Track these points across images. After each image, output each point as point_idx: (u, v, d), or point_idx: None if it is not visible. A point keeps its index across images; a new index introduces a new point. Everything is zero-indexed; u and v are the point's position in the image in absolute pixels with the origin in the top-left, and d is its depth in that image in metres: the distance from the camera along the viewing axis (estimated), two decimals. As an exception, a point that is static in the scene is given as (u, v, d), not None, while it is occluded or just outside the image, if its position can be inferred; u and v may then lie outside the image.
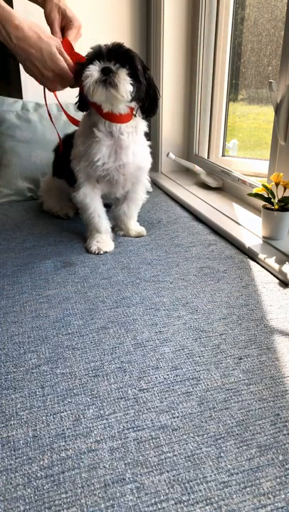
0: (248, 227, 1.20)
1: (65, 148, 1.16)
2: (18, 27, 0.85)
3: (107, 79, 0.91)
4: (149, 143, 1.12)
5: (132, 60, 0.93)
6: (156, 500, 0.48)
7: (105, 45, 0.93)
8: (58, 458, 0.54)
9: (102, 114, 1.00)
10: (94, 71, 0.91)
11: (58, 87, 0.97)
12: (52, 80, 0.93)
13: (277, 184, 1.09)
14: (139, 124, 1.06)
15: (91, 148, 1.03)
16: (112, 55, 0.92)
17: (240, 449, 0.55)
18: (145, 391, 0.64)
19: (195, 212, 1.35)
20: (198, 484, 0.50)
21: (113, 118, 1.00)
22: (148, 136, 1.12)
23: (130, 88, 0.92)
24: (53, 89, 0.98)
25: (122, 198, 1.17)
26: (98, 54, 0.92)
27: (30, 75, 0.93)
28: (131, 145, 1.04)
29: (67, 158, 1.11)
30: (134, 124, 1.04)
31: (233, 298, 0.89)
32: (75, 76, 0.94)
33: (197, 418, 0.59)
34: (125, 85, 0.91)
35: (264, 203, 1.13)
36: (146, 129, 1.09)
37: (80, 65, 0.94)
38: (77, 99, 1.04)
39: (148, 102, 1.01)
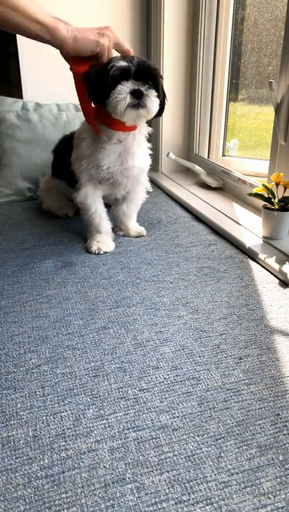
0: (248, 227, 1.20)
1: (64, 149, 1.16)
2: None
3: (140, 102, 0.92)
4: (149, 145, 1.12)
5: (155, 78, 0.94)
6: (157, 500, 0.48)
7: (131, 61, 0.91)
8: (58, 458, 0.54)
9: (112, 126, 0.99)
10: (126, 95, 0.90)
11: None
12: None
13: (277, 184, 1.09)
14: (143, 129, 1.06)
15: (98, 153, 1.02)
16: (139, 74, 0.92)
17: (241, 449, 0.55)
18: (145, 391, 0.64)
19: (195, 212, 1.35)
20: (199, 484, 0.50)
21: (123, 128, 1.00)
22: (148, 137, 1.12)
23: (158, 107, 0.95)
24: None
25: (122, 198, 1.17)
26: (126, 73, 0.91)
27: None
28: (137, 150, 1.05)
29: (67, 160, 1.11)
30: (140, 129, 1.04)
31: (233, 298, 0.89)
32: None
33: (197, 418, 0.59)
34: (154, 106, 0.94)
35: (264, 202, 1.13)
36: (147, 133, 1.09)
37: (100, 81, 0.91)
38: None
39: (160, 107, 1.00)
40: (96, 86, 0.93)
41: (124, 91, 0.91)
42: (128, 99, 0.91)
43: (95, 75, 0.94)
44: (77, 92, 0.97)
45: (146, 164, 1.12)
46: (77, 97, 0.98)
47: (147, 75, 0.93)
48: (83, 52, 0.89)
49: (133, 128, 1.01)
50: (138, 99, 0.91)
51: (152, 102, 0.93)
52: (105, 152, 1.02)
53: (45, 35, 0.85)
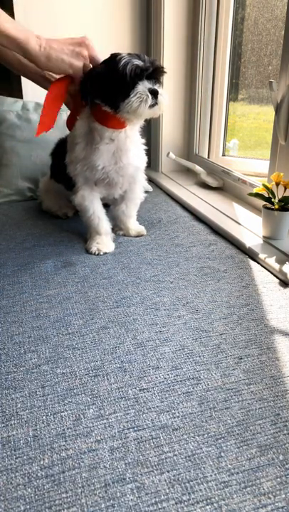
0: (249, 226, 1.20)
1: (60, 153, 1.16)
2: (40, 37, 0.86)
3: (156, 101, 0.93)
4: (143, 141, 1.12)
5: (162, 76, 0.97)
6: (157, 500, 0.48)
7: (143, 59, 0.92)
8: (58, 458, 0.54)
9: (107, 123, 0.99)
10: (147, 95, 0.91)
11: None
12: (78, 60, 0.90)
13: (277, 184, 1.09)
14: (135, 125, 1.06)
15: (92, 155, 1.02)
16: (152, 73, 0.93)
17: (241, 449, 0.55)
18: (145, 391, 0.64)
19: (195, 212, 1.35)
20: (199, 484, 0.50)
21: (117, 125, 1.00)
22: (147, 135, 1.12)
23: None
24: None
25: (120, 197, 1.17)
26: (143, 73, 0.92)
27: (59, 67, 0.89)
28: (131, 147, 1.05)
29: (63, 163, 1.11)
30: (132, 126, 1.04)
31: (234, 298, 0.89)
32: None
33: (197, 418, 0.59)
34: (165, 103, 0.96)
35: (264, 202, 1.13)
36: (140, 128, 1.09)
37: (112, 78, 0.91)
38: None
39: None
40: (106, 84, 0.92)
41: (144, 91, 0.91)
42: (150, 100, 0.92)
43: (103, 72, 0.92)
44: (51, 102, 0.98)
45: (142, 162, 1.11)
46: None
47: (158, 73, 0.95)
48: (56, 71, 0.90)
49: (125, 125, 1.01)
50: (155, 98, 0.93)
51: (165, 100, 0.95)
52: (99, 153, 1.02)
53: (15, 49, 0.84)
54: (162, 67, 0.96)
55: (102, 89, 0.94)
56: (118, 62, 0.90)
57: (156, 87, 0.93)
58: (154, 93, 0.93)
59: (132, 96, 0.91)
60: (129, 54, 0.92)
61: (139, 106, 0.92)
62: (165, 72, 0.97)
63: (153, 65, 0.93)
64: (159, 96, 0.94)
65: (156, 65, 0.94)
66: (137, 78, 0.91)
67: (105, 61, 0.94)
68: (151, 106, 0.93)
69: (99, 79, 0.93)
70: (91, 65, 0.94)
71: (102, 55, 0.95)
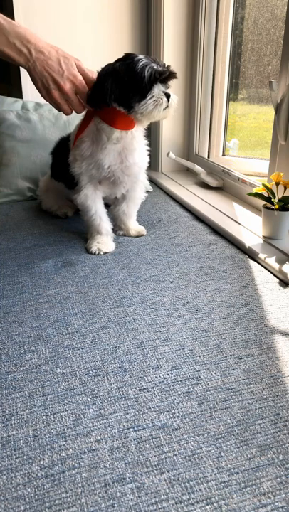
0: (249, 226, 1.20)
1: (62, 151, 1.16)
2: (37, 40, 0.87)
3: (168, 106, 0.97)
4: (146, 142, 1.12)
5: (171, 80, 0.99)
6: (157, 499, 0.48)
7: (159, 64, 0.95)
8: (58, 457, 0.54)
9: (115, 125, 0.99)
10: (163, 98, 0.95)
11: (72, 104, 0.94)
12: (69, 93, 0.91)
13: (277, 184, 1.09)
14: (140, 126, 1.06)
15: (99, 154, 1.03)
16: (166, 77, 0.97)
17: (241, 449, 0.55)
18: (145, 391, 0.64)
19: (195, 211, 1.35)
20: (199, 484, 0.50)
21: (125, 126, 1.00)
22: (147, 135, 1.13)
23: None
24: (66, 110, 0.94)
25: (121, 197, 1.17)
26: (159, 77, 0.94)
27: (46, 95, 0.91)
28: (137, 147, 1.06)
29: (65, 162, 1.11)
30: (137, 127, 1.04)
31: (234, 297, 0.89)
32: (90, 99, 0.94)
33: (197, 418, 0.59)
34: (174, 106, 0.99)
35: (264, 202, 1.13)
36: (144, 129, 1.10)
37: (130, 80, 0.91)
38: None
39: None
40: (122, 83, 0.92)
41: (160, 94, 0.94)
42: (165, 103, 0.95)
43: (123, 72, 0.92)
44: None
45: (145, 162, 1.12)
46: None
47: (170, 78, 0.98)
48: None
49: (133, 126, 1.02)
50: (169, 101, 0.97)
51: (175, 103, 0.98)
52: (106, 151, 1.02)
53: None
54: (175, 73, 0.99)
55: (117, 88, 0.93)
56: (136, 63, 0.91)
57: (167, 90, 0.96)
58: (168, 96, 0.96)
59: (148, 98, 0.93)
60: (145, 56, 0.94)
61: (154, 108, 0.95)
62: (176, 78, 0.99)
63: (168, 70, 0.96)
64: (170, 99, 0.96)
65: (171, 71, 0.97)
66: (153, 82, 0.94)
67: (121, 60, 0.94)
68: (164, 109, 0.96)
69: (116, 77, 0.92)
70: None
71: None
